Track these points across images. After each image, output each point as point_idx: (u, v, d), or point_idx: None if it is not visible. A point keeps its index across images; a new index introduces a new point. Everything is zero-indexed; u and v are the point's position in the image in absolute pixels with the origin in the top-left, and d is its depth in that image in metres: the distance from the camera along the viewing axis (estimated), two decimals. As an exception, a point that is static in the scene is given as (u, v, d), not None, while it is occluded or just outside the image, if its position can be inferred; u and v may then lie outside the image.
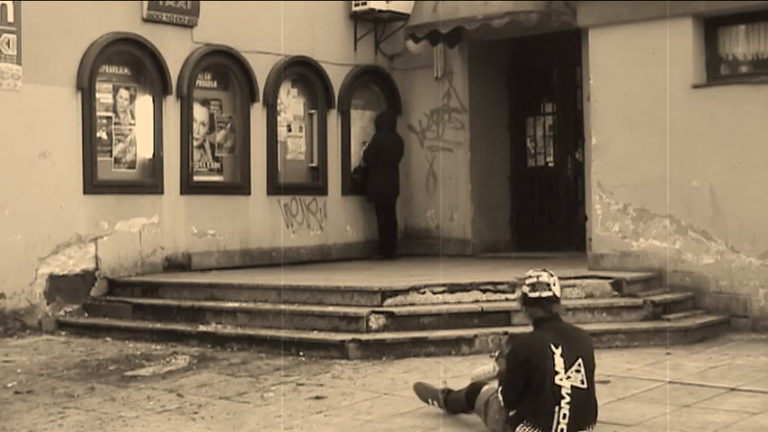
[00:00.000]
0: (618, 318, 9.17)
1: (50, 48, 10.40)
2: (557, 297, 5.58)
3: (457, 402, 6.24)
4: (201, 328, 9.48)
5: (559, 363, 5.38)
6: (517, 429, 5.46)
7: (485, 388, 6.00)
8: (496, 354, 5.98)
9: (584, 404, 5.43)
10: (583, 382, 5.41)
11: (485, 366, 6.12)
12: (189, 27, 11.65)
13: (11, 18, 10.03)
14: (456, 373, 7.51)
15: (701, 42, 10.09)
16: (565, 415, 5.34)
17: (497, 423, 5.68)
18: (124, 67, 11.26)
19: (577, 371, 5.40)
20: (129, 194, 11.12)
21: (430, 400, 6.47)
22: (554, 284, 5.58)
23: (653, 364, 8.00)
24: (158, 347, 9.24)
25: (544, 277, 5.58)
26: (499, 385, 5.74)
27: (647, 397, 6.85)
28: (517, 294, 5.74)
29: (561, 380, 5.36)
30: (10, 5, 10.02)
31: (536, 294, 5.54)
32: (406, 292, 9.17)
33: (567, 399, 5.35)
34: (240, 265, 12.01)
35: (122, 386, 7.66)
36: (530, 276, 5.62)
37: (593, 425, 5.56)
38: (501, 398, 5.64)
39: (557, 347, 5.41)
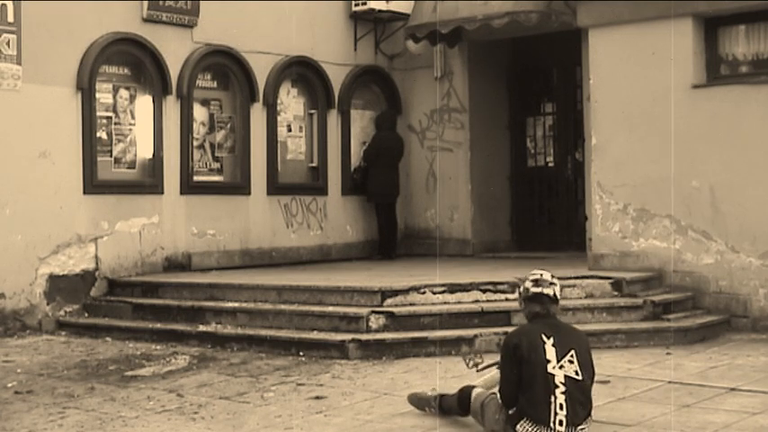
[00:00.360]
0: (618, 318, 9.17)
1: (50, 48, 10.40)
2: (556, 297, 5.70)
3: (451, 407, 6.26)
4: (201, 328, 9.48)
5: (551, 352, 5.43)
6: (518, 428, 5.46)
7: (477, 390, 6.01)
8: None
9: (580, 396, 5.45)
10: (577, 374, 5.44)
11: (491, 373, 6.10)
12: (189, 27, 11.65)
13: (11, 18, 10.03)
14: (456, 373, 7.50)
15: (701, 42, 10.09)
16: (561, 405, 5.35)
17: (497, 423, 5.68)
18: (124, 67, 11.26)
19: (570, 361, 5.44)
20: (129, 194, 11.12)
21: (426, 409, 6.48)
22: (555, 285, 5.71)
23: (653, 364, 8.00)
24: (158, 347, 9.24)
25: (547, 276, 5.72)
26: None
27: (647, 397, 6.85)
28: (519, 289, 5.79)
29: (554, 368, 5.39)
30: (10, 5, 10.02)
31: (538, 290, 5.65)
32: (406, 292, 9.17)
33: (562, 388, 5.37)
34: (240, 265, 12.01)
35: (122, 386, 7.66)
36: (533, 273, 5.76)
37: (589, 419, 5.56)
38: (499, 396, 5.65)
39: (548, 337, 5.47)
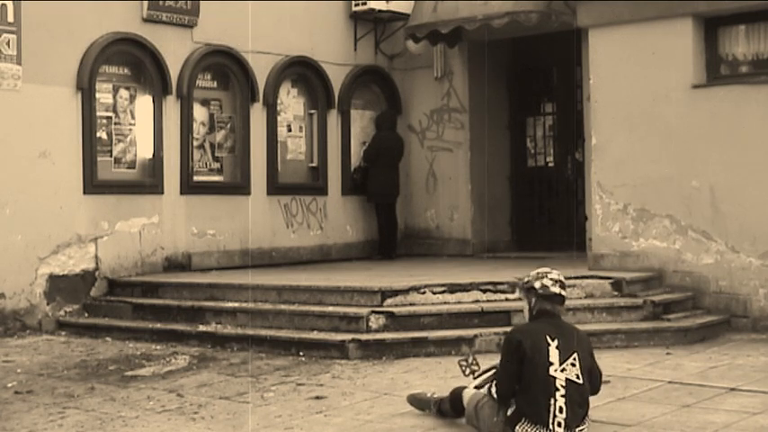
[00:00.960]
0: (618, 318, 9.17)
1: (50, 48, 10.40)
2: (564, 298, 5.70)
3: (447, 410, 6.26)
4: (201, 328, 9.48)
5: (554, 354, 5.41)
6: (517, 428, 5.46)
7: (469, 392, 6.00)
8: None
9: (579, 398, 5.45)
10: (578, 377, 5.43)
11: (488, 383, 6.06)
12: (189, 27, 11.65)
13: (11, 18, 10.03)
14: (456, 373, 7.44)
15: (701, 42, 10.09)
16: (561, 408, 5.35)
17: (496, 425, 5.65)
18: (124, 67, 11.26)
19: (573, 364, 5.43)
20: (129, 194, 11.12)
21: (426, 410, 6.49)
22: (565, 286, 5.72)
23: (653, 364, 8.00)
24: (158, 347, 9.24)
25: (562, 276, 5.72)
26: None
27: (647, 397, 6.85)
28: (532, 285, 5.70)
29: (555, 371, 5.38)
30: (10, 5, 10.02)
31: (557, 290, 5.62)
32: (406, 292, 9.17)
33: (562, 391, 5.36)
34: (240, 265, 12.01)
35: (122, 386, 7.66)
36: (549, 272, 5.71)
37: (587, 419, 5.56)
38: (495, 390, 5.62)
39: (552, 339, 5.46)
